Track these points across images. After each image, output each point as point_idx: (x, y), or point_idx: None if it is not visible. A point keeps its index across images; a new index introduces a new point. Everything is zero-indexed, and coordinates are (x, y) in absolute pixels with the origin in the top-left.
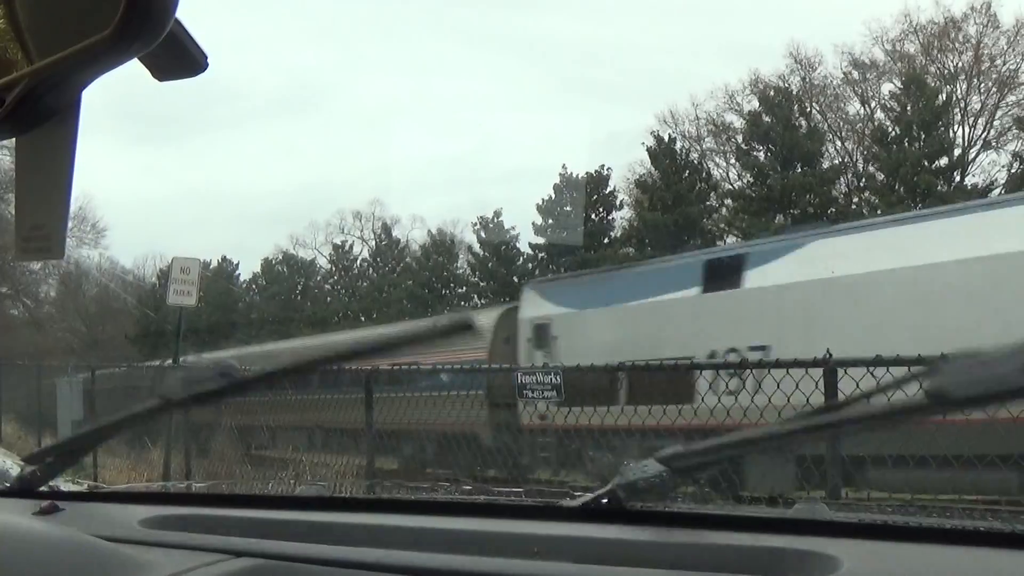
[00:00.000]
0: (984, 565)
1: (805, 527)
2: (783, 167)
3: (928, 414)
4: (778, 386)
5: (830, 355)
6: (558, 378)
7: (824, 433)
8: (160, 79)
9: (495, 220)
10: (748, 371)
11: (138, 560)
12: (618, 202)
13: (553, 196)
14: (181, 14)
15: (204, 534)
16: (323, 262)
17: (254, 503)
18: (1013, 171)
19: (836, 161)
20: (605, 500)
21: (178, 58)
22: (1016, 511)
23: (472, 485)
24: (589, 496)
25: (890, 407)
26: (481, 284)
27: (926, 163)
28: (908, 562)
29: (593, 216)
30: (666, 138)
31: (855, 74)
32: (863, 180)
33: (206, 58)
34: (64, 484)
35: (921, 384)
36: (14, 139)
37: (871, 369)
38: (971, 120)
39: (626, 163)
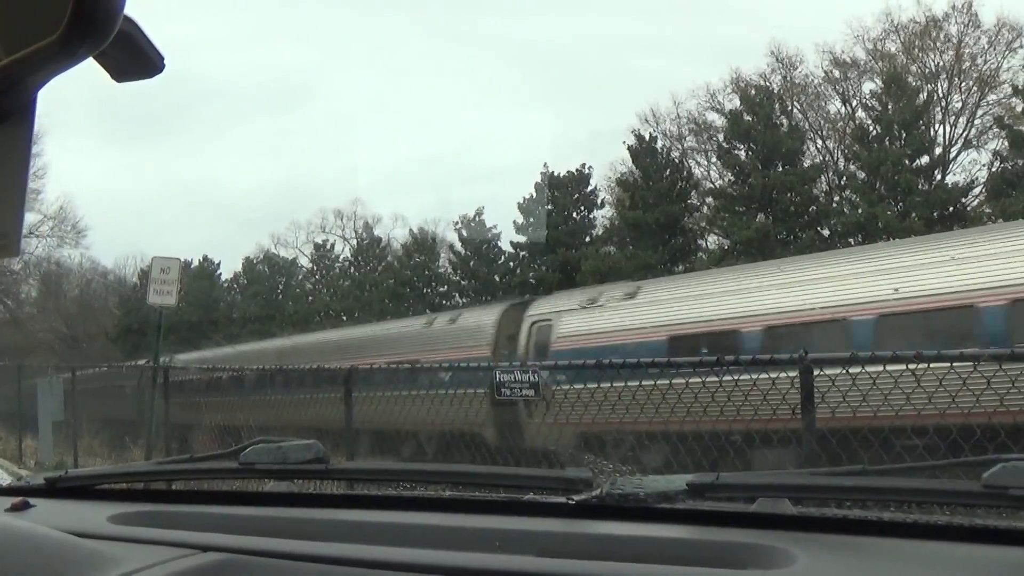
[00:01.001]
0: (938, 558)
1: (767, 522)
2: (764, 166)
3: (977, 501)
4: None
5: (806, 353)
6: (536, 376)
7: (866, 494)
8: (118, 80)
9: (476, 219)
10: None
11: (106, 555)
12: (599, 201)
13: (534, 195)
14: (141, 16)
15: (171, 529)
16: (304, 261)
17: (222, 499)
18: (994, 170)
19: (817, 160)
20: (574, 498)
21: (134, 59)
22: (971, 506)
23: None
24: (554, 492)
25: (937, 485)
26: (463, 283)
27: (907, 162)
28: (863, 555)
29: (574, 215)
30: (647, 137)
31: (836, 73)
32: (844, 179)
33: (162, 59)
34: (35, 481)
35: (981, 475)
36: None
37: (846, 367)
38: (952, 119)
39: (607, 162)
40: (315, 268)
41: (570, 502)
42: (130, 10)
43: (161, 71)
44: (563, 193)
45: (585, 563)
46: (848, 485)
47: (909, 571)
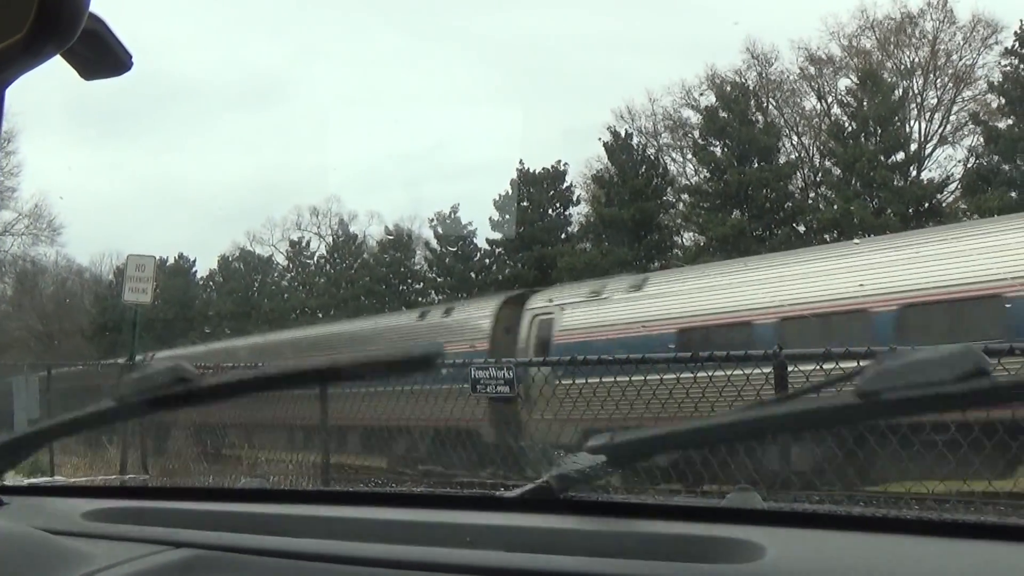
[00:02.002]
0: (907, 552)
1: (736, 516)
2: (740, 162)
3: (860, 415)
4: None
5: (780, 348)
6: (511, 372)
7: (752, 428)
8: (86, 78)
9: (452, 216)
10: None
11: (79, 552)
12: (575, 197)
13: (510, 192)
14: (111, 14)
15: (145, 526)
16: (280, 259)
17: (196, 495)
18: (969, 166)
19: (792, 156)
20: (540, 490)
21: (102, 57)
22: (942, 500)
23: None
24: (525, 487)
25: (823, 404)
26: (438, 280)
27: (882, 158)
28: (831, 549)
29: (550, 211)
30: (623, 133)
31: (812, 69)
32: (819, 175)
33: (130, 57)
34: (12, 480)
35: (855, 384)
36: None
37: (820, 363)
38: (927, 115)
39: (583, 158)
40: (291, 266)
41: (540, 497)
42: (99, 8)
43: (129, 69)
44: (539, 190)
45: (555, 558)
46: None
47: (877, 565)
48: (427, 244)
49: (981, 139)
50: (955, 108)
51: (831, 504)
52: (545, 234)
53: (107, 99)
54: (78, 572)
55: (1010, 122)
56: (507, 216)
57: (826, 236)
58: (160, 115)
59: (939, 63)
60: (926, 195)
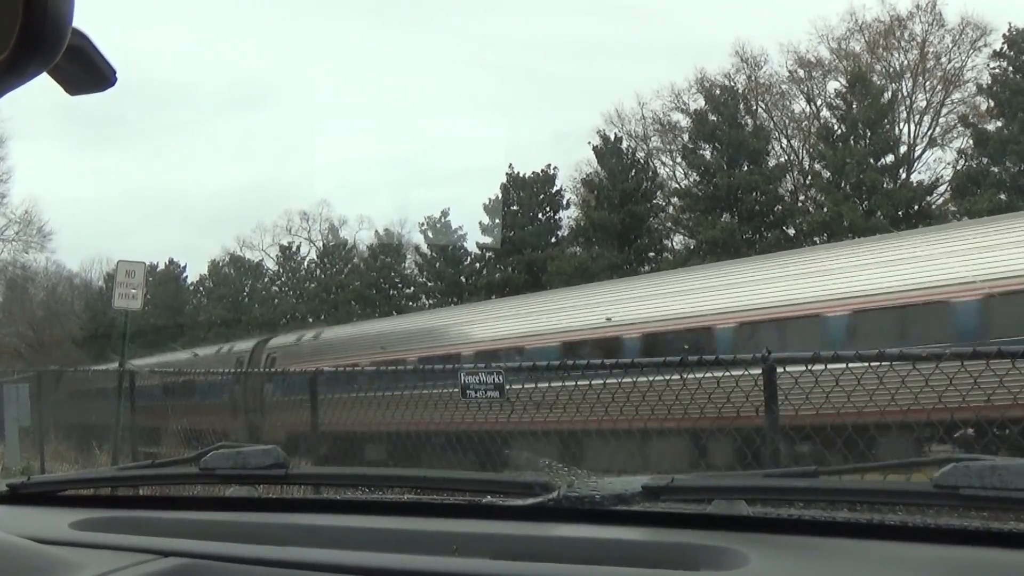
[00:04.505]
0: (890, 558)
1: (721, 523)
2: (729, 165)
3: (928, 501)
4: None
5: (769, 352)
6: (500, 377)
7: (819, 495)
8: (71, 93)
9: (442, 220)
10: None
11: (67, 561)
12: (565, 201)
13: (500, 196)
14: (102, 23)
15: (133, 535)
16: (270, 263)
17: (183, 505)
18: (958, 168)
19: (782, 159)
20: (526, 499)
21: (86, 73)
22: (923, 506)
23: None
24: (510, 495)
25: (888, 487)
26: (429, 284)
27: (872, 160)
28: (816, 555)
29: (540, 216)
30: (612, 137)
31: (801, 72)
32: (809, 178)
33: (114, 72)
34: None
35: (932, 476)
36: None
37: (809, 366)
38: (917, 117)
39: (573, 162)
40: (281, 270)
41: (527, 505)
42: (88, 22)
43: (113, 84)
44: (528, 194)
45: (540, 565)
46: (801, 487)
47: (861, 571)
48: (417, 249)
49: (970, 141)
50: (944, 110)
51: (816, 510)
52: (535, 238)
53: (97, 105)
54: None
55: (999, 124)
56: (496, 221)
57: (816, 239)
58: (150, 120)
59: (928, 66)
60: (916, 197)
